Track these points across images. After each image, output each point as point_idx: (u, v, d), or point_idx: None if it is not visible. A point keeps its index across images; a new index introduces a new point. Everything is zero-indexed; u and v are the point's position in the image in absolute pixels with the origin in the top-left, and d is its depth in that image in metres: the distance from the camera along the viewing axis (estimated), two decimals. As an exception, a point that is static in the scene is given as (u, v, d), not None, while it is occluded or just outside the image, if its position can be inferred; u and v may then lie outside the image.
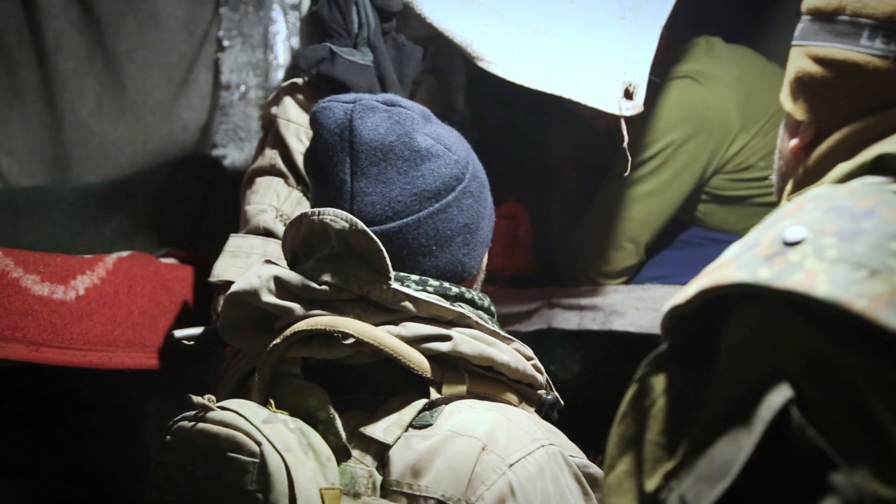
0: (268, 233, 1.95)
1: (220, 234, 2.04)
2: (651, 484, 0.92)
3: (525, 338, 2.65)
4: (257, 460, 1.34)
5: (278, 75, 2.68)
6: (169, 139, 2.75)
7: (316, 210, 1.50)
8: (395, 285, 1.46)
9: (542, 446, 1.41)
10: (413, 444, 1.40)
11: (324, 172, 1.54)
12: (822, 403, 0.85)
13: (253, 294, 1.50)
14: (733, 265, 0.93)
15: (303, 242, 1.53)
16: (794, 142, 1.23)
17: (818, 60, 1.15)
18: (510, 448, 1.39)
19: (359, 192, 1.51)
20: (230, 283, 1.88)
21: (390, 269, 1.46)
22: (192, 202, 2.46)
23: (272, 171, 2.02)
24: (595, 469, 1.45)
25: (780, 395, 0.85)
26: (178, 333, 1.69)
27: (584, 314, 2.49)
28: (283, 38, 2.70)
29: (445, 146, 1.56)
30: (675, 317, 0.98)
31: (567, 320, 2.51)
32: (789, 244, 0.91)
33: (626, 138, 2.13)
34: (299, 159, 1.99)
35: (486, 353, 1.47)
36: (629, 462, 0.96)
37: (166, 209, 2.45)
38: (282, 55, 2.70)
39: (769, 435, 0.85)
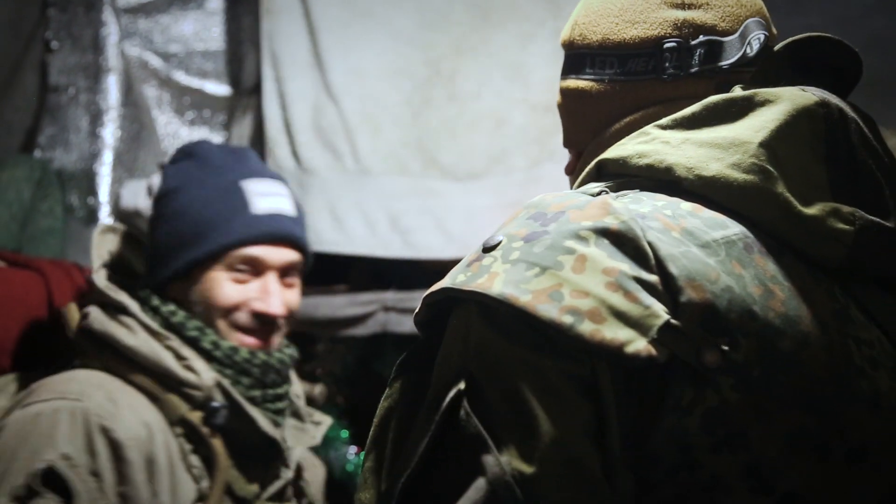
0: None
1: (46, 237, 2.00)
2: (384, 485, 0.98)
3: (360, 342, 2.68)
4: None
5: (109, 78, 2.64)
6: (-8, 141, 2.67)
7: None
8: None
9: (64, 399, 1.59)
10: None
11: None
12: (488, 393, 0.93)
13: None
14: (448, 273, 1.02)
15: None
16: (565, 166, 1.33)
17: (561, 92, 1.26)
18: (38, 395, 1.59)
19: None
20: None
21: None
22: (18, 205, 2.42)
23: None
24: (119, 435, 1.58)
25: (455, 390, 0.93)
26: None
27: (418, 317, 2.54)
28: (115, 41, 2.65)
29: None
30: (417, 325, 1.05)
31: (401, 324, 2.56)
32: (486, 249, 0.99)
33: None
34: None
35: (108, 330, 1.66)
36: (373, 459, 1.02)
37: (-10, 212, 2.39)
38: (113, 58, 2.65)
39: (448, 427, 0.93)
